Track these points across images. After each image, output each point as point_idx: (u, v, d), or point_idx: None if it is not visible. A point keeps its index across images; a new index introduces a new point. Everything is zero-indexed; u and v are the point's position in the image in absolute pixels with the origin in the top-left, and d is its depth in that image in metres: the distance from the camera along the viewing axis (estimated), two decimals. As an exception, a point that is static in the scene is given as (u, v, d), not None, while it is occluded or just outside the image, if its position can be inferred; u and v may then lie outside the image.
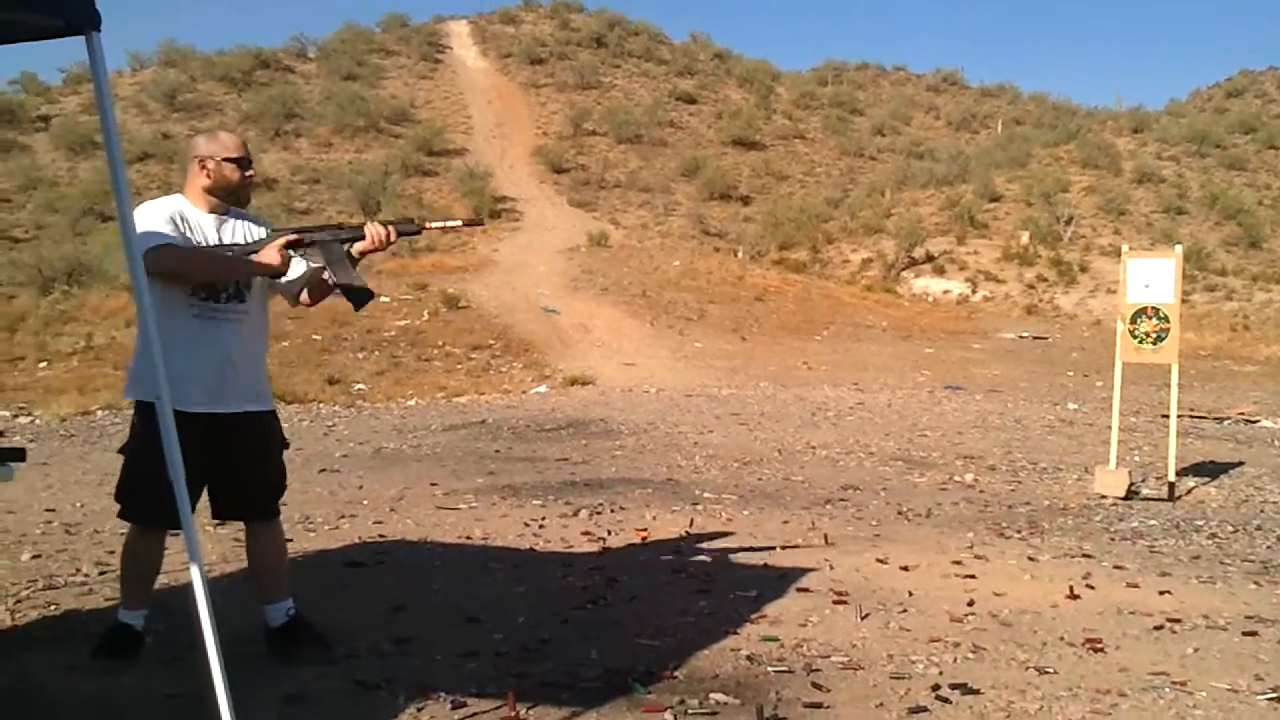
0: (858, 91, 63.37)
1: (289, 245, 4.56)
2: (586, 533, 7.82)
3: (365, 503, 8.95)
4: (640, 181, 45.02)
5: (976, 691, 4.64)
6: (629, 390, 18.86)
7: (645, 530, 7.94)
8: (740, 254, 35.81)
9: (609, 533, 7.84)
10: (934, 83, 68.63)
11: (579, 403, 16.94)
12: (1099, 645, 5.40)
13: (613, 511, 8.69)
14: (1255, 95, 61.19)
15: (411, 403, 17.01)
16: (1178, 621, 5.94)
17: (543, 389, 19.00)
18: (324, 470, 10.72)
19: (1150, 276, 10.87)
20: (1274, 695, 4.76)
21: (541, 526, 8.05)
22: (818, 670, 4.87)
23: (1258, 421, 17.61)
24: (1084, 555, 7.62)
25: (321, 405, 16.16)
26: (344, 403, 16.54)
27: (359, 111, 46.05)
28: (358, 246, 4.61)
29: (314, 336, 20.03)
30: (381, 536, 7.57)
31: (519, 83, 55.47)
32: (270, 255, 4.51)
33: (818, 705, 4.42)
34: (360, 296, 4.69)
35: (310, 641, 4.81)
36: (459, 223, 5.15)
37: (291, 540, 5.46)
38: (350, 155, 43.02)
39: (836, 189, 46.50)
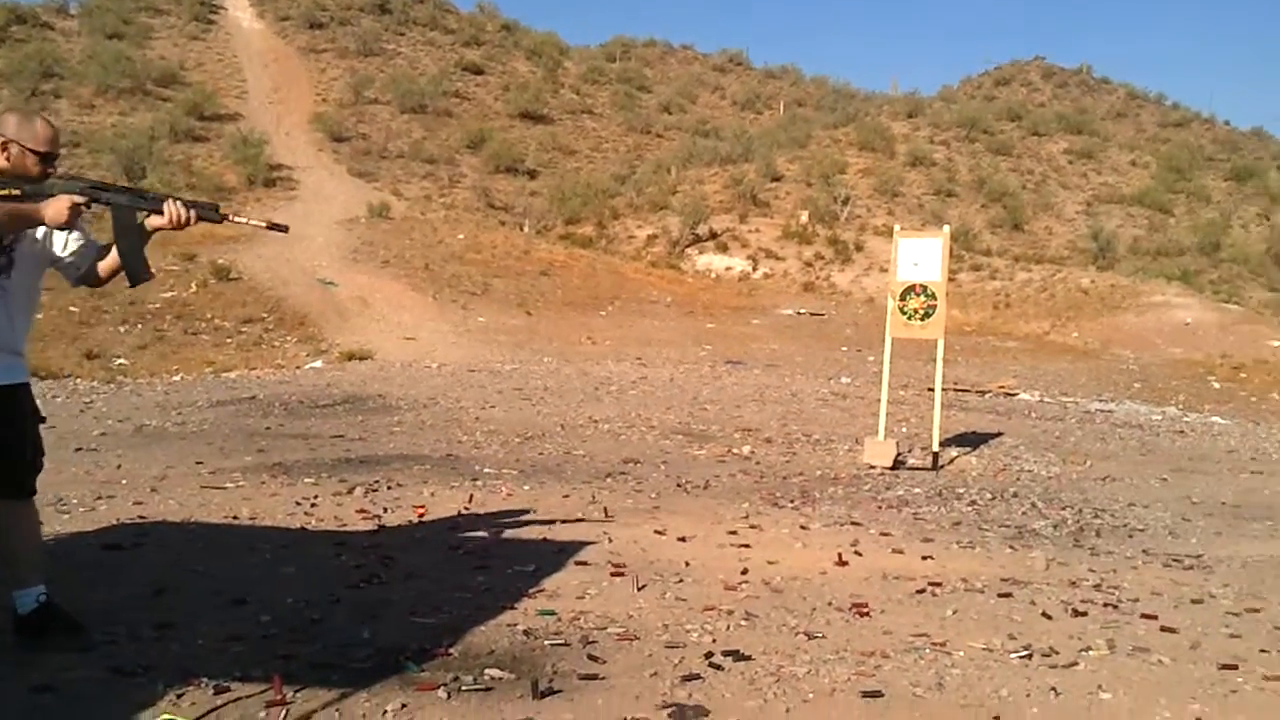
0: (645, 69, 63.87)
1: (78, 204, 4.14)
2: (362, 511, 7.61)
3: (124, 483, 8.46)
4: (424, 152, 44.24)
5: (748, 658, 4.72)
6: (409, 365, 18.53)
7: (423, 507, 7.78)
8: (526, 228, 35.68)
9: (385, 510, 7.65)
10: (720, 63, 69.77)
11: (356, 378, 16.53)
12: (865, 610, 5.58)
13: (389, 488, 8.49)
14: (1021, 84, 64.58)
15: (177, 378, 16.26)
16: (939, 585, 6.19)
17: (318, 364, 18.47)
18: (80, 449, 10.11)
19: (919, 255, 11.29)
20: (1025, 653, 5.01)
21: (314, 505, 7.78)
22: (594, 642, 4.86)
23: (1016, 394, 18.61)
24: (853, 523, 7.88)
25: (78, 381, 15.30)
26: (103, 378, 15.68)
27: (124, 72, 43.69)
28: (153, 221, 4.19)
29: (70, 309, 18.95)
30: (142, 518, 7.17)
31: (297, 47, 53.70)
32: (58, 208, 3.96)
33: (593, 677, 4.41)
34: (139, 273, 4.36)
35: (63, 629, 4.49)
36: (263, 224, 4.78)
37: (43, 523, 5.10)
38: (114, 118, 40.79)
39: (623, 165, 46.80)
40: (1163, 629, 5.54)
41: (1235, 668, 4.94)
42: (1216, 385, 21.93)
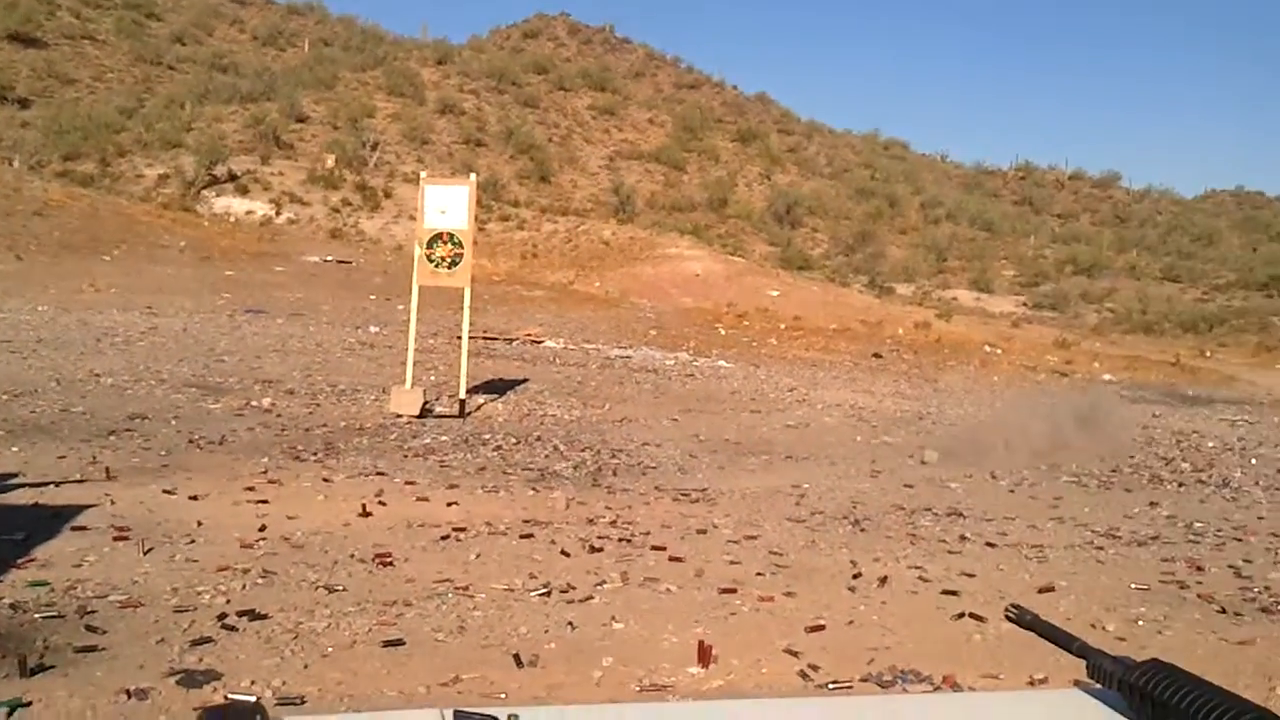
0: (155, -6, 59.45)
1: None
2: None
3: None
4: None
5: (264, 616, 4.53)
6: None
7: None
8: (16, 163, 32.10)
9: None
10: (236, -6, 66.25)
11: None
12: (388, 559, 5.50)
13: None
14: (549, 39, 66.08)
15: None
16: (463, 530, 6.23)
17: None
18: None
19: (446, 203, 11.25)
20: (544, 591, 5.14)
21: None
22: (93, 612, 4.48)
23: (543, 342, 19.15)
24: (378, 473, 7.77)
25: None
26: None
27: None
28: None
29: None
30: None
31: None
32: None
33: (91, 648, 4.07)
34: None
35: None
36: None
37: None
38: None
39: (130, 98, 43.14)
40: (671, 559, 5.88)
41: (734, 591, 5.32)
42: (723, 332, 23.68)
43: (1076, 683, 1.25)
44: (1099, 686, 1.21)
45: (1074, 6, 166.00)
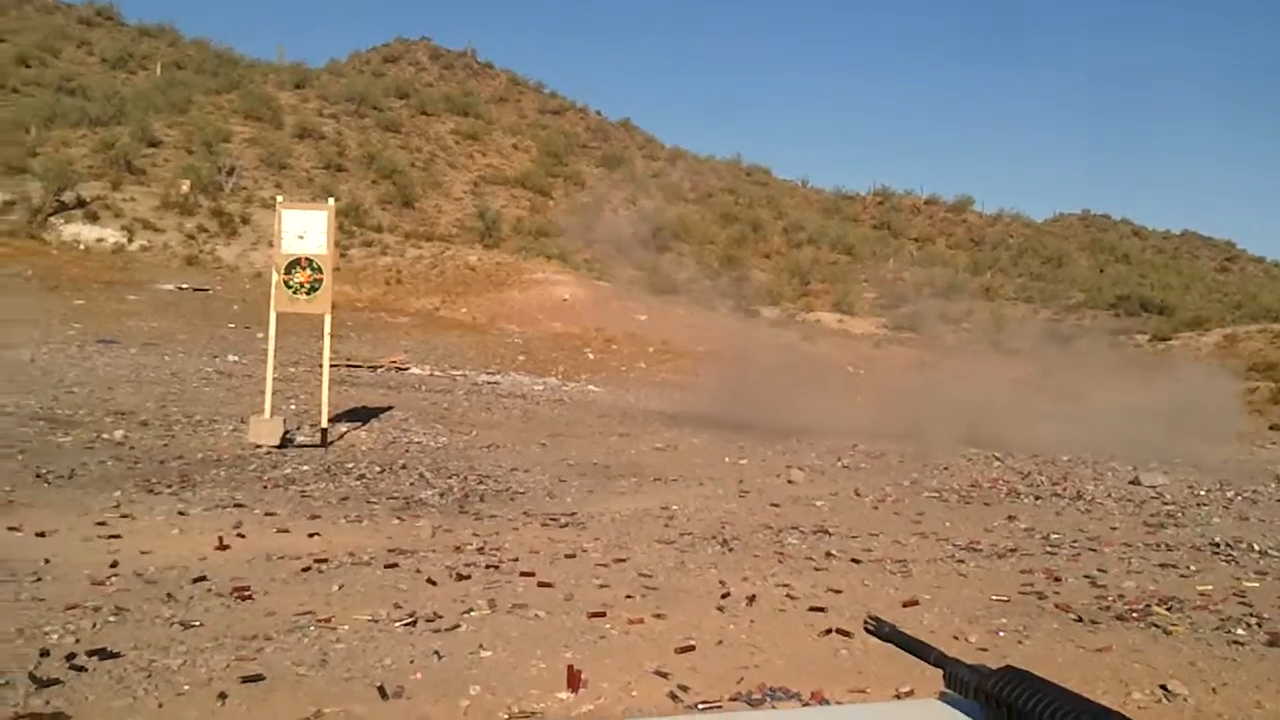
0: (-2, 16, 57.29)
1: None
2: None
3: None
4: None
5: (116, 655, 4.36)
6: None
7: None
8: None
9: None
10: (86, 15, 64.13)
11: None
12: (247, 593, 5.34)
13: None
14: (409, 63, 65.43)
15: None
16: (325, 561, 6.08)
17: None
18: None
19: (304, 228, 11.05)
20: (410, 620, 5.04)
21: None
22: (-72, 657, 4.25)
23: (408, 369, 18.90)
24: (236, 505, 7.55)
25: None
26: None
27: None
28: None
29: None
30: None
31: None
32: None
33: (-74, 698, 3.85)
34: None
35: None
36: None
37: None
38: None
39: (-28, 122, 41.59)
40: (540, 584, 5.82)
41: (603, 615, 5.29)
42: (591, 356, 23.69)
43: (942, 695, 1.26)
44: (958, 696, 1.22)
45: (924, 35, 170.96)
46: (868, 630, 1.38)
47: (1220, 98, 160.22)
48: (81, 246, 30.59)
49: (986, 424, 14.45)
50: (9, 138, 37.42)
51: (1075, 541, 8.02)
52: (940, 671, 1.26)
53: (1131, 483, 11.22)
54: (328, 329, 11.23)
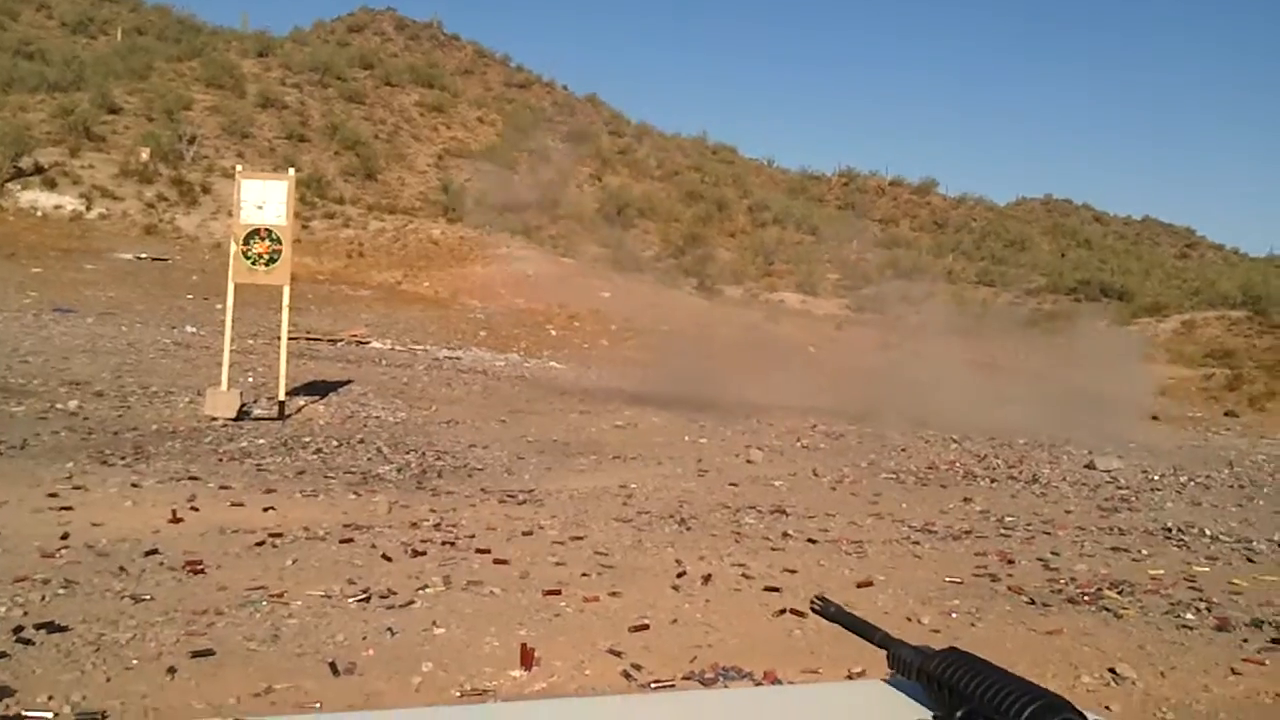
0: (-46, -23, 56.24)
1: None
2: None
3: None
4: None
5: (64, 628, 4.32)
6: None
7: None
8: None
9: None
10: (46, -19, 63.20)
11: None
12: (199, 567, 5.30)
13: None
14: (375, 33, 64.74)
15: None
16: (279, 536, 6.04)
17: None
18: None
19: (264, 198, 10.94)
20: (364, 597, 5.02)
21: None
22: None
23: (368, 343, 18.79)
24: (190, 478, 7.48)
25: None
26: None
27: None
28: None
29: None
30: None
31: None
32: None
33: None
34: None
35: None
36: None
37: None
38: None
39: (-76, 85, 40.84)
40: (495, 561, 5.81)
41: (559, 593, 5.29)
42: (554, 332, 23.63)
43: (887, 677, 1.27)
44: (902, 677, 1.23)
45: (892, 17, 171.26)
46: (814, 610, 1.39)
47: (1184, 85, 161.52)
48: (39, 213, 30.16)
49: (944, 406, 14.56)
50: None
51: (1029, 524, 8.10)
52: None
53: (1086, 466, 11.34)
54: (286, 301, 11.13)
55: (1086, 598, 5.94)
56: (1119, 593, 6.07)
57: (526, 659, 4.32)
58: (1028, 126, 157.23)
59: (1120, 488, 10.17)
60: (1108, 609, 5.72)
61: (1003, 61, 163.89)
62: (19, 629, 4.28)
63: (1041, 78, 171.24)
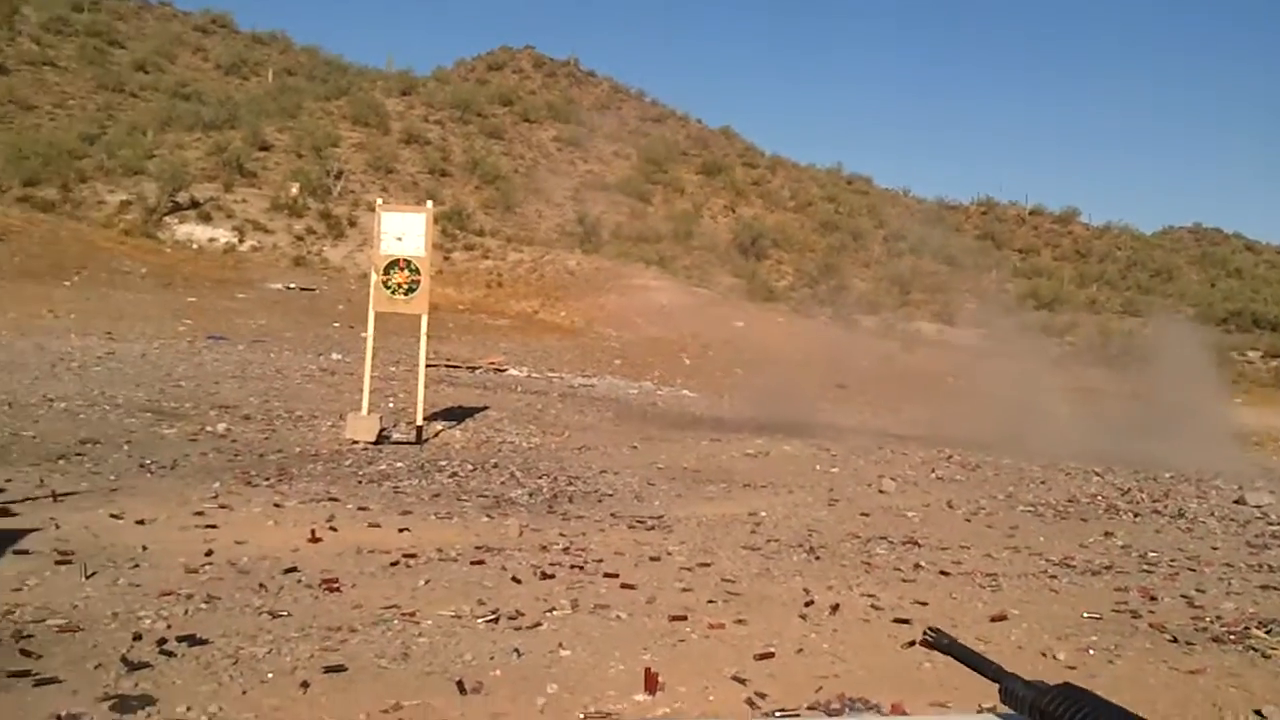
0: (118, 22, 58.97)
1: None
2: None
3: None
4: None
5: (205, 641, 4.46)
6: None
7: None
8: (-24, 189, 31.81)
9: None
10: (202, 23, 65.85)
11: None
12: (335, 585, 5.43)
13: None
14: (513, 71, 66.08)
15: None
16: (413, 556, 6.16)
17: None
18: None
19: (403, 230, 11.22)
20: (493, 617, 5.08)
21: None
22: (29, 636, 4.40)
23: (506, 370, 19.10)
24: (330, 499, 7.68)
25: None
26: None
27: None
28: None
29: None
30: None
31: None
32: None
33: (25, 673, 3.99)
34: None
35: None
36: None
37: None
38: None
39: (93, 124, 42.86)
40: (623, 586, 5.83)
41: (684, 619, 5.28)
42: (688, 361, 23.70)
43: (997, 710, 1.24)
44: (1014, 712, 1.20)
45: (1034, 44, 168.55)
46: (926, 642, 1.36)
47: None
48: (195, 246, 31.47)
49: (1085, 438, 14.15)
50: (127, 140, 38.51)
51: (1174, 560, 7.80)
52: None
53: (1236, 502, 10.88)
54: (424, 329, 11.39)
55: (1232, 636, 5.68)
56: (1268, 632, 5.79)
57: (651, 683, 4.32)
58: (1175, 154, 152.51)
59: (1271, 523, 9.72)
60: (1255, 649, 5.47)
61: (1150, 90, 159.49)
62: (162, 641, 4.43)
63: (1190, 105, 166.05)
